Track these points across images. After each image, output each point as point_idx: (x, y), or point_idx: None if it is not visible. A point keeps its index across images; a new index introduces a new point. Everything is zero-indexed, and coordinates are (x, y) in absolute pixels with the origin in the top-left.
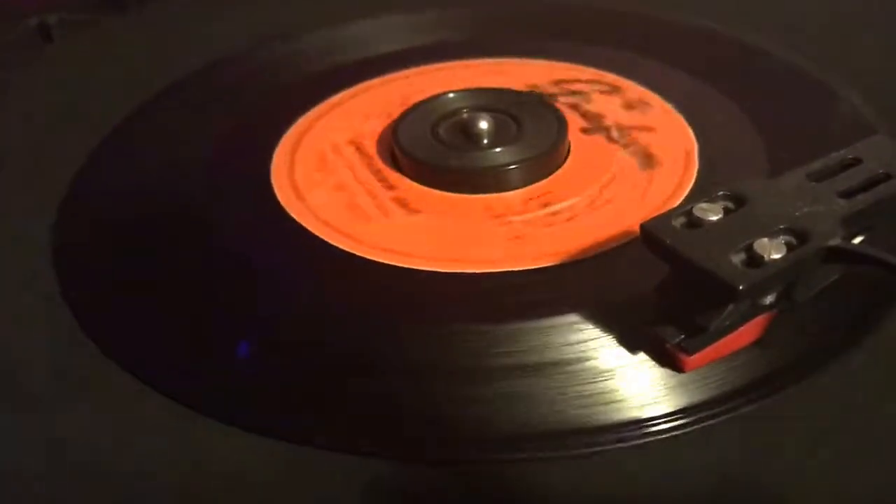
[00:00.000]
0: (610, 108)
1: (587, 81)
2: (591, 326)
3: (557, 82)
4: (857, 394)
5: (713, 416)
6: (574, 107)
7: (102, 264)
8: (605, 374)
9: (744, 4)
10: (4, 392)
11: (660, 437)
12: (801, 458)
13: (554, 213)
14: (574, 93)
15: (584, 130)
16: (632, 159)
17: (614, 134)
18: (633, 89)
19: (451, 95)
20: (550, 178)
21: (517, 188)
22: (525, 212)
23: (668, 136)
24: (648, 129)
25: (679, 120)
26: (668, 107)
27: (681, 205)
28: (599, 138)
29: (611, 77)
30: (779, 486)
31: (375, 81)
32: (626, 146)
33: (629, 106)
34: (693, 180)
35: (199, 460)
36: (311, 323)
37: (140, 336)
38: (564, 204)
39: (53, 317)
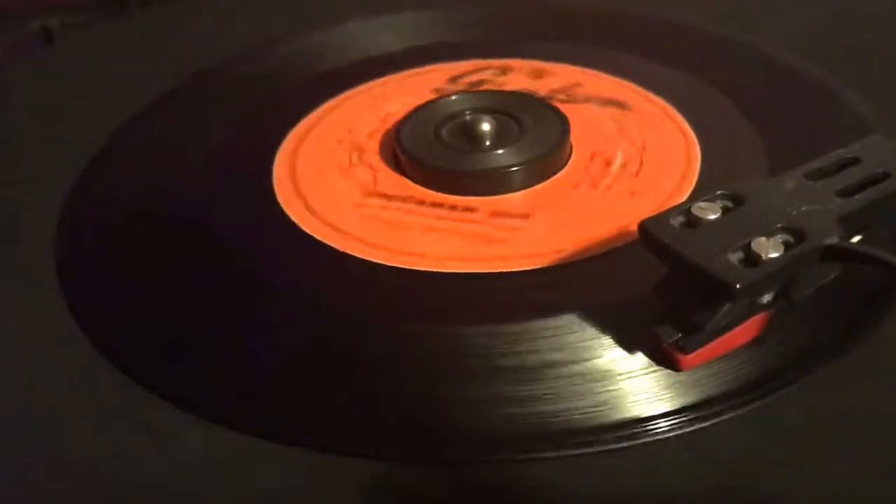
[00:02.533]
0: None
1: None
2: (589, 326)
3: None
4: (856, 393)
5: (711, 416)
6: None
7: (104, 267)
8: (603, 374)
9: (744, 4)
10: (6, 396)
11: (657, 436)
12: (799, 457)
13: (556, 213)
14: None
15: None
16: (633, 159)
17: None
18: (633, 90)
19: (453, 97)
20: (552, 178)
21: (519, 189)
22: (527, 212)
23: (667, 136)
24: (650, 129)
25: (679, 120)
26: (669, 107)
27: (679, 204)
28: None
29: (609, 79)
30: (777, 485)
31: (377, 82)
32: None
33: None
34: (693, 181)
35: (197, 462)
36: (313, 324)
37: (140, 339)
38: (565, 204)
39: (55, 320)
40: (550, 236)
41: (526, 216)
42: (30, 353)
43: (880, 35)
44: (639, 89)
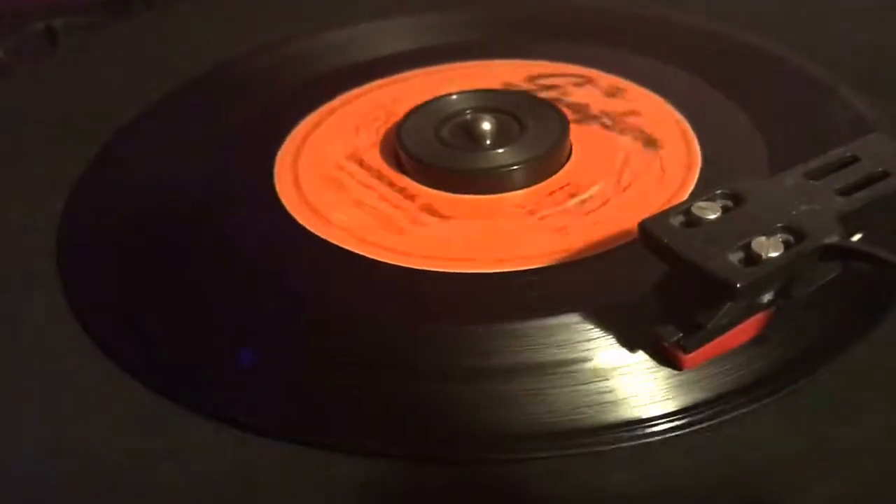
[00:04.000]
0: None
1: (574, 76)
2: (590, 326)
3: (534, 78)
4: (857, 392)
5: (712, 416)
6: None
7: (106, 267)
8: (605, 374)
9: (744, 2)
10: (5, 395)
11: (659, 436)
12: (800, 457)
13: (559, 213)
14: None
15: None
16: (632, 156)
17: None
18: (633, 89)
19: (453, 97)
20: (555, 176)
21: (521, 188)
22: (528, 212)
23: (668, 135)
24: (649, 132)
25: (680, 119)
26: (668, 105)
27: (679, 203)
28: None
29: (611, 78)
30: (778, 485)
31: (376, 84)
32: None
33: (631, 111)
34: (693, 180)
35: (200, 461)
36: (314, 324)
37: (142, 338)
38: (569, 203)
39: (56, 319)
40: (552, 235)
41: (525, 215)
42: (30, 352)
43: (881, 33)
44: (638, 87)
